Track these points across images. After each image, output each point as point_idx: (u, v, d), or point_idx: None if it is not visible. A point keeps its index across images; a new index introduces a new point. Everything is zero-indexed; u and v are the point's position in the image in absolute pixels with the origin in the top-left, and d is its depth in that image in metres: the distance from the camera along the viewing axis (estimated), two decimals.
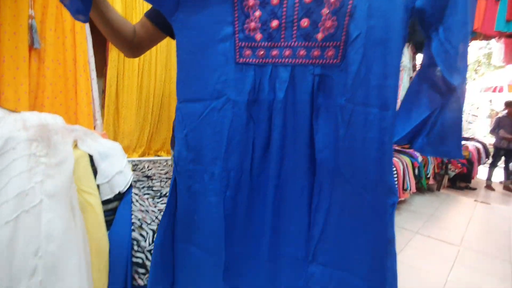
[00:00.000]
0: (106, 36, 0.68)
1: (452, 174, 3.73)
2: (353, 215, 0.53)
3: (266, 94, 0.52)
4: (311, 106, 0.52)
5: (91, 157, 0.86)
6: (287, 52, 0.51)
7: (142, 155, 1.36)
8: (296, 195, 0.56)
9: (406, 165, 2.70)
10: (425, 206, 3.25)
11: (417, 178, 2.97)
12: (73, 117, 1.15)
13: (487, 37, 3.12)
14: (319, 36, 0.49)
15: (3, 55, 0.97)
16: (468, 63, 0.51)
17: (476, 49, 5.30)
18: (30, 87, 1.05)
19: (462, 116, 0.52)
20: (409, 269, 1.82)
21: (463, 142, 4.87)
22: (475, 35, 3.06)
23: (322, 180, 0.54)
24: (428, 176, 3.20)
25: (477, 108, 8.13)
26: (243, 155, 0.55)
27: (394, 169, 2.47)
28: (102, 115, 1.26)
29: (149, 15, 0.68)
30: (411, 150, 3.14)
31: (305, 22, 0.49)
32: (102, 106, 1.28)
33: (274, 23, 0.50)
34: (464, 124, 6.54)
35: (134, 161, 1.21)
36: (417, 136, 0.57)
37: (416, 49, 3.80)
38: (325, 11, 0.48)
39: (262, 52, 0.52)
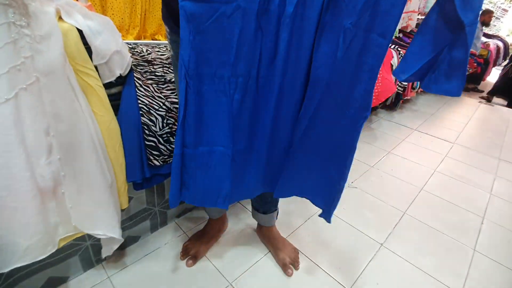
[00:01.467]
0: None
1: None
2: (332, 124, 0.64)
3: (277, 6, 0.52)
4: (317, 24, 0.53)
5: (80, 32, 0.74)
6: None
7: (138, 38, 1.22)
8: (292, 103, 0.63)
9: None
10: (429, 106, 3.26)
11: None
12: None
13: None
14: None
15: None
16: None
17: None
18: None
19: (468, 56, 0.53)
20: (401, 161, 1.96)
21: (485, 40, 4.47)
22: None
23: (312, 95, 0.60)
24: None
25: (510, 0, 7.10)
26: (251, 63, 0.57)
27: None
28: None
29: None
30: None
31: None
32: None
33: None
34: (492, 19, 5.88)
35: (130, 43, 1.09)
36: (427, 73, 0.59)
37: None
38: None
39: None
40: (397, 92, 2.54)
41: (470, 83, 4.22)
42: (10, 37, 0.60)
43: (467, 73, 3.59)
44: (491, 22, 4.35)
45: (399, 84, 2.46)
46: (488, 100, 3.75)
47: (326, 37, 0.54)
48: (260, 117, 0.65)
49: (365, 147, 2.08)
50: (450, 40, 0.55)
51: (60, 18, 0.72)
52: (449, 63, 0.56)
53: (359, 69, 0.57)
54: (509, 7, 7.04)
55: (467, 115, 3.14)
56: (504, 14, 7.39)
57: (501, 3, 6.93)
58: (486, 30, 4.80)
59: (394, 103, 2.81)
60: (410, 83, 2.48)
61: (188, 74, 0.57)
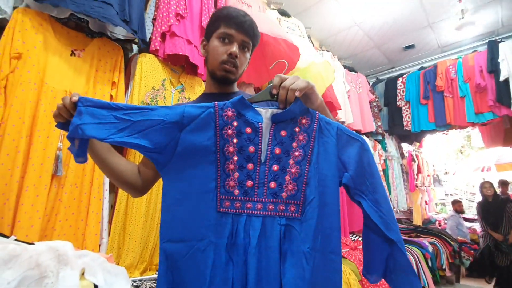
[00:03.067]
0: (111, 179, 0.78)
1: (467, 262, 3.50)
2: None
3: (242, 239, 0.61)
4: (279, 252, 0.61)
5: (96, 286, 0.84)
6: (259, 206, 0.63)
7: (144, 271, 1.31)
8: None
9: (418, 258, 2.56)
10: None
11: (432, 271, 2.78)
12: (80, 238, 1.16)
13: (462, 127, 3.45)
14: (284, 195, 0.64)
15: (27, 185, 1.06)
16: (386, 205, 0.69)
17: (456, 133, 5.73)
18: (45, 211, 1.10)
19: (408, 259, 0.66)
20: None
21: (469, 224, 4.74)
22: (450, 126, 3.39)
23: None
24: (443, 267, 3.00)
25: (473, 186, 8.23)
26: None
27: None
28: (109, 231, 1.28)
29: None
30: (419, 240, 3.03)
31: (272, 184, 0.64)
32: (110, 221, 1.31)
33: (249, 183, 0.64)
34: (465, 204, 6.49)
35: (135, 281, 1.17)
36: (385, 271, 0.70)
37: (400, 139, 4.12)
38: (287, 177, 0.64)
39: (238, 204, 0.63)
40: None
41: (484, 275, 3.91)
42: None
43: (465, 261, 3.49)
44: (463, 208, 4.79)
45: None
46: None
47: (290, 262, 0.60)
48: None
49: None
50: (389, 251, 0.67)
51: (82, 274, 0.85)
52: (400, 269, 0.66)
53: (326, 285, 0.63)
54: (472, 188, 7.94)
55: None
56: (473, 198, 8.25)
57: (467, 189, 7.87)
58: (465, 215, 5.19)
59: None
60: None
61: None
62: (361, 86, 3.25)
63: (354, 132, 0.71)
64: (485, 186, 3.83)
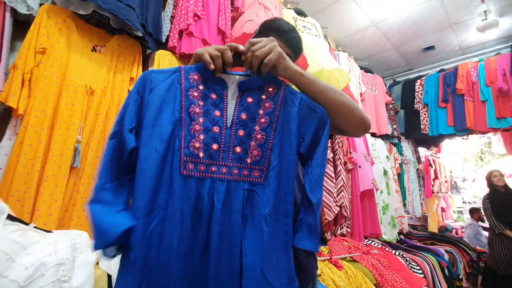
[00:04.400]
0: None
1: None
2: None
3: (206, 204, 0.60)
4: (241, 216, 0.61)
5: (109, 276, 0.86)
6: (224, 170, 0.63)
7: None
8: None
9: (433, 266, 2.48)
10: None
11: (448, 280, 2.68)
12: None
13: (483, 132, 3.32)
14: (249, 160, 0.65)
15: (46, 175, 1.09)
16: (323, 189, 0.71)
17: (476, 138, 5.52)
18: (63, 201, 1.13)
19: (318, 223, 0.67)
20: None
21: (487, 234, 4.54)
22: (470, 131, 3.27)
23: (247, 284, 0.59)
24: (460, 277, 2.88)
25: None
26: (188, 261, 0.59)
27: (421, 272, 2.26)
28: None
29: None
30: (435, 247, 2.93)
31: (238, 149, 0.65)
32: None
33: (215, 146, 0.64)
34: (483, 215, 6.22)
35: None
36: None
37: (417, 144, 4.01)
38: (253, 143, 0.65)
39: (203, 168, 0.62)
40: None
41: None
42: None
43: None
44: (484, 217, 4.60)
45: None
46: None
47: (250, 226, 0.61)
48: None
49: None
50: (305, 211, 0.67)
51: (97, 264, 0.86)
52: (307, 227, 0.66)
53: (283, 248, 0.63)
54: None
55: None
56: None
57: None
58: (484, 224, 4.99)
59: None
60: None
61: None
62: (377, 88, 3.19)
63: (317, 104, 0.70)
64: (494, 175, 3.14)
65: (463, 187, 7.07)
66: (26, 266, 0.72)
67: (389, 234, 2.81)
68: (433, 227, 4.13)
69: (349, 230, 2.31)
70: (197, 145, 0.63)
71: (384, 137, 3.22)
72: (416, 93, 3.56)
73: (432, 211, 4.22)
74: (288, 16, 2.23)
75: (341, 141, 2.40)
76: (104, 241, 0.55)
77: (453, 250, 3.00)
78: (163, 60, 1.51)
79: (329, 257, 1.81)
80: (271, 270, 0.61)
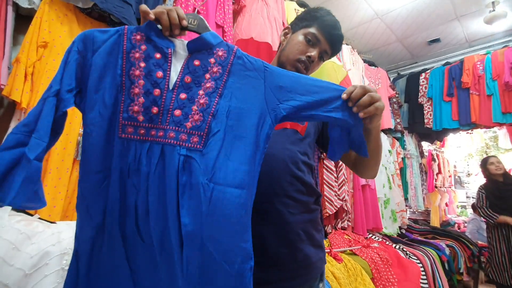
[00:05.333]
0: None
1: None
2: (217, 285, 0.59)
3: (144, 167, 0.59)
4: (176, 182, 0.58)
5: None
6: (161, 133, 0.60)
7: None
8: (171, 265, 0.59)
9: (434, 260, 2.49)
10: None
11: (448, 274, 2.69)
12: None
13: (488, 127, 3.28)
14: (188, 125, 0.61)
15: (50, 168, 1.12)
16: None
17: (481, 133, 5.46)
18: (67, 193, 1.16)
19: (362, 135, 0.69)
20: None
21: None
22: (475, 126, 3.23)
23: (189, 254, 0.57)
24: (461, 271, 2.90)
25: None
26: (129, 221, 0.59)
27: (421, 266, 2.28)
28: None
29: None
30: (436, 241, 2.94)
31: (177, 112, 0.61)
32: None
33: (155, 109, 0.61)
34: None
35: None
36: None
37: (420, 138, 3.98)
38: (194, 108, 0.62)
39: (142, 131, 0.60)
40: None
41: None
42: (56, 282, 0.72)
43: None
44: None
45: None
46: None
47: (188, 195, 0.58)
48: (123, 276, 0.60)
49: None
50: (348, 131, 0.70)
51: None
52: (357, 141, 0.70)
53: (228, 221, 0.59)
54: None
55: None
56: None
57: None
58: None
59: None
60: (431, 286, 2.31)
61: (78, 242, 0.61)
62: (380, 82, 3.16)
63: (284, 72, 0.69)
64: (491, 162, 2.68)
65: (467, 181, 7.03)
66: (31, 255, 0.75)
67: (390, 228, 2.82)
68: (434, 222, 4.14)
69: (350, 223, 2.33)
70: (136, 108, 0.60)
71: (387, 131, 3.20)
72: (420, 87, 3.52)
73: (434, 206, 4.22)
74: (290, 8, 2.21)
75: None
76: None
77: (454, 245, 3.01)
78: None
79: (329, 250, 1.83)
80: (216, 243, 0.58)
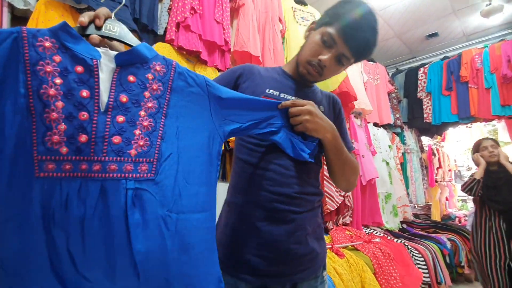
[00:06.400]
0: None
1: None
2: None
3: (75, 210, 0.47)
4: (125, 223, 0.49)
5: None
6: (97, 167, 0.49)
7: None
8: None
9: (435, 253, 2.50)
10: None
11: (450, 267, 2.70)
12: None
13: (487, 120, 3.29)
14: (132, 152, 0.51)
15: None
16: None
17: (480, 127, 5.46)
18: None
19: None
20: None
21: None
22: (474, 119, 3.24)
23: None
24: (462, 264, 2.91)
25: None
26: (66, 266, 0.47)
27: (423, 259, 2.29)
28: None
29: None
30: (437, 235, 2.95)
31: (116, 139, 0.50)
32: None
33: (83, 137, 0.48)
34: None
35: None
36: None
37: (420, 133, 3.99)
38: (137, 131, 0.52)
39: (68, 166, 0.48)
40: None
41: None
42: None
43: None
44: None
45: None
46: None
47: (145, 234, 0.49)
48: None
49: None
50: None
51: None
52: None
53: (198, 249, 0.54)
54: None
55: None
56: None
57: None
58: None
59: None
60: (433, 279, 2.32)
61: None
62: (379, 77, 3.16)
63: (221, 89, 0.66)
64: (484, 146, 2.18)
65: (467, 175, 7.04)
66: None
67: (391, 223, 2.83)
68: (435, 216, 4.15)
69: (351, 219, 2.33)
70: (55, 138, 0.47)
71: (387, 126, 3.21)
72: (419, 82, 3.52)
73: (435, 200, 4.22)
74: (287, 6, 2.21)
75: None
76: None
77: (455, 238, 3.02)
78: (162, 53, 1.50)
79: (330, 246, 1.83)
80: (186, 279, 0.53)
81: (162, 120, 0.55)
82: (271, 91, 0.81)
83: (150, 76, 0.55)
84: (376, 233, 2.45)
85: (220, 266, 0.62)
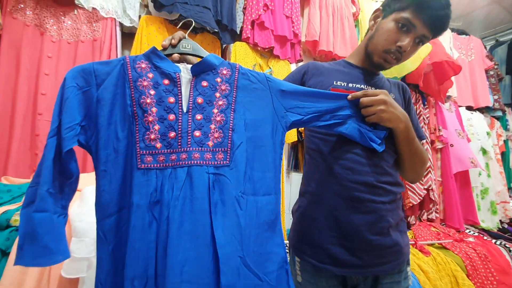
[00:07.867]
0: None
1: None
2: None
3: (165, 194, 0.56)
4: (208, 202, 0.57)
5: None
6: (184, 156, 0.59)
7: None
8: None
9: None
10: None
11: None
12: None
13: None
14: (210, 143, 0.61)
15: None
16: None
17: None
18: None
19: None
20: None
21: None
22: None
23: (229, 280, 0.55)
24: None
25: None
26: (147, 260, 0.54)
27: None
28: None
29: None
30: None
31: (197, 133, 0.61)
32: None
33: (172, 134, 0.60)
34: None
35: None
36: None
37: None
38: (212, 126, 0.63)
39: (162, 158, 0.59)
40: None
41: None
42: None
43: None
44: None
45: None
46: None
47: (222, 212, 0.57)
48: None
49: None
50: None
51: None
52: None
53: (263, 229, 0.61)
54: None
55: None
56: None
57: None
58: None
59: None
60: None
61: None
62: (473, 52, 2.71)
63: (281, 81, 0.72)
64: None
65: None
66: None
67: (488, 221, 2.47)
68: None
69: (437, 215, 2.12)
70: (152, 136, 0.59)
71: (484, 109, 2.75)
72: None
73: None
74: None
75: (427, 118, 2.16)
76: (48, 260, 0.56)
77: None
78: (239, 51, 1.61)
79: (413, 242, 1.72)
80: (255, 256, 0.59)
81: (232, 114, 0.64)
82: (338, 83, 0.82)
83: (218, 79, 0.66)
84: (469, 232, 2.18)
85: (299, 254, 0.70)
